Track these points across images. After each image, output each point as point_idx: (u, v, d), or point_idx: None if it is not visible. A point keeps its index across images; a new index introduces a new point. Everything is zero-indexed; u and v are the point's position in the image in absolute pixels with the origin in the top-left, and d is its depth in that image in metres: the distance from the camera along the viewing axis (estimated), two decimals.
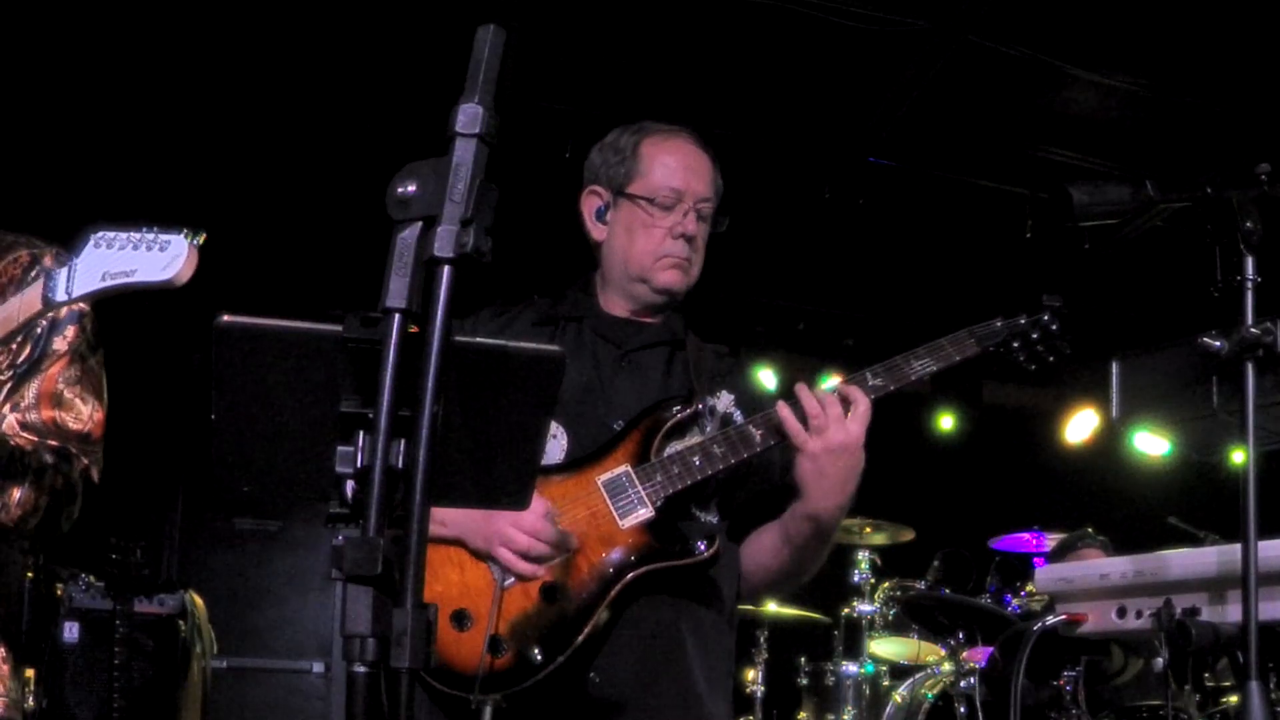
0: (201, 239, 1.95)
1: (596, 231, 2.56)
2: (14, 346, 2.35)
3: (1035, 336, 2.46)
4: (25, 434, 2.30)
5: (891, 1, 4.93)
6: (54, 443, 2.31)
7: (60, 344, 2.36)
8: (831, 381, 2.36)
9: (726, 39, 5.17)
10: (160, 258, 1.94)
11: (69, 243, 2.41)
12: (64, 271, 2.02)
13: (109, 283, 1.97)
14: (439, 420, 1.27)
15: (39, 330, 2.36)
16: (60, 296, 2.02)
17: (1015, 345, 2.47)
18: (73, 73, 5.15)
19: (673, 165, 2.50)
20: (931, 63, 5.23)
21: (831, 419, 2.26)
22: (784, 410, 2.29)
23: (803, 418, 2.27)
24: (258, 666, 6.39)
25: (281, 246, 6.33)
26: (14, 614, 2.46)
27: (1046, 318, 2.47)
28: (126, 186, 5.69)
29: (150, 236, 1.97)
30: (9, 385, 2.34)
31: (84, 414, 2.37)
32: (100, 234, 2.01)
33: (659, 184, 2.48)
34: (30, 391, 2.34)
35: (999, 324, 2.47)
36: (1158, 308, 6.55)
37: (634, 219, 2.49)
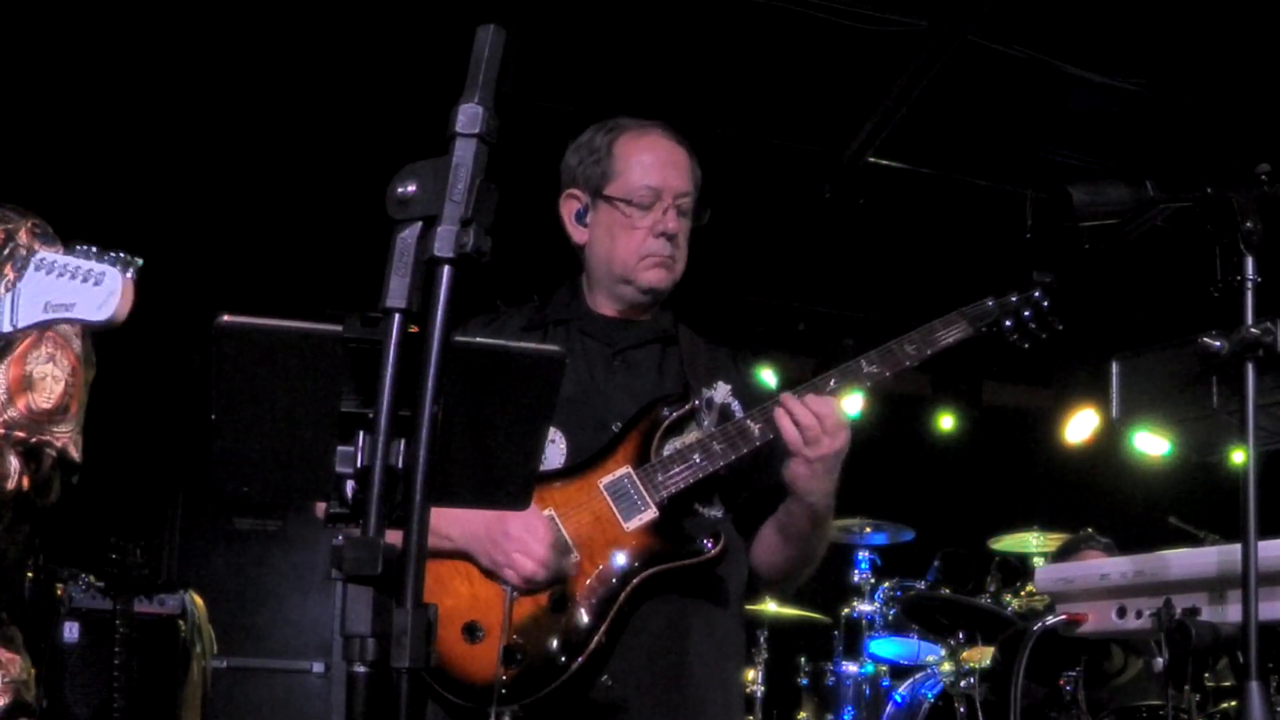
0: (136, 266, 1.89)
1: (578, 235, 2.55)
2: None
3: (1027, 314, 2.46)
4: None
5: (891, 1, 4.93)
6: (21, 434, 2.30)
7: None
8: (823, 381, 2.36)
9: (726, 39, 5.16)
10: (96, 294, 1.89)
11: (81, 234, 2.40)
12: (9, 298, 1.97)
13: (50, 315, 1.93)
14: (439, 420, 1.27)
15: None
16: (5, 327, 1.98)
17: (1008, 324, 2.46)
18: (73, 71, 5.15)
19: (648, 162, 2.48)
20: (931, 63, 5.22)
21: (827, 430, 2.26)
22: (784, 422, 2.28)
23: (797, 425, 2.27)
24: (258, 666, 6.38)
25: (281, 246, 6.33)
26: (16, 595, 2.46)
27: (1037, 294, 2.47)
28: (126, 185, 5.69)
29: (86, 266, 1.90)
30: None
31: (55, 391, 2.34)
32: (40, 256, 1.95)
33: (636, 184, 2.46)
34: (2, 378, 2.32)
35: (990, 303, 2.47)
36: (1158, 308, 6.54)
37: (614, 220, 2.48)
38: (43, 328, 2.17)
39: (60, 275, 1.92)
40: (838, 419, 2.27)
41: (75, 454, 2.38)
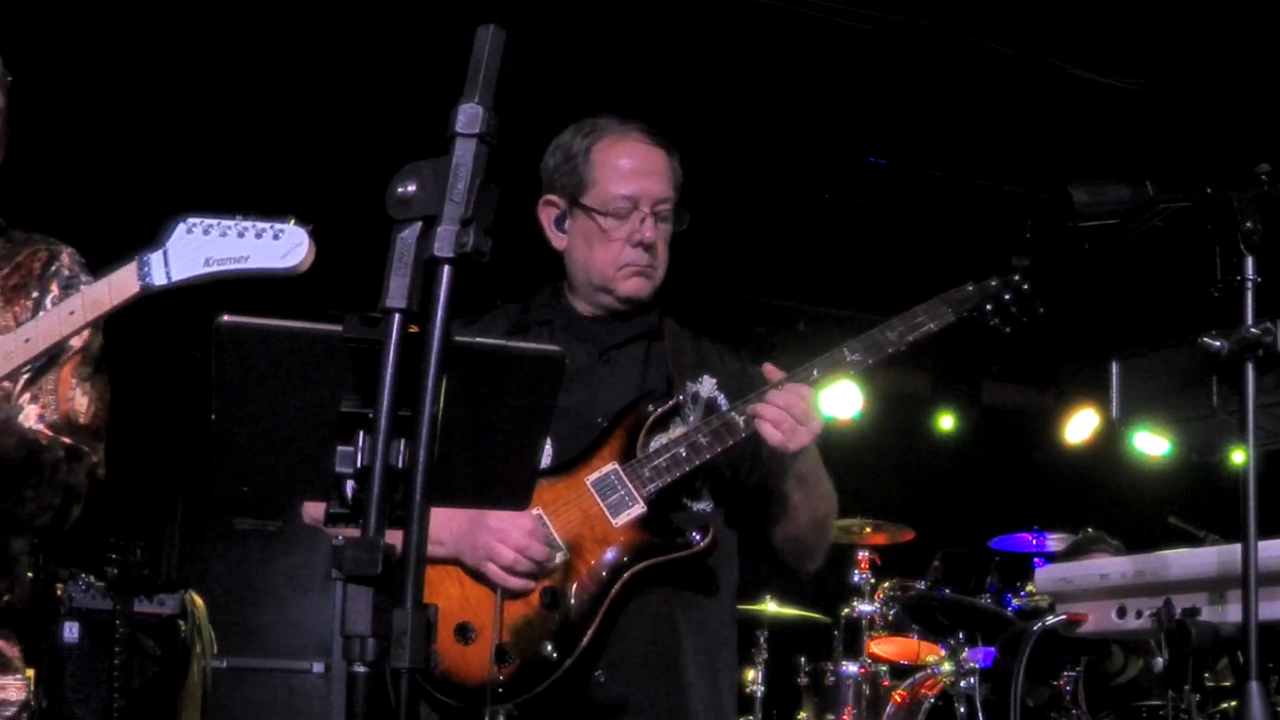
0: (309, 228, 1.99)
1: (557, 240, 2.53)
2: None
3: (1008, 298, 2.48)
4: (43, 426, 2.35)
5: (891, 1, 4.93)
6: (67, 440, 2.36)
7: (77, 341, 2.40)
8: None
9: (727, 39, 5.16)
10: (277, 246, 1.99)
11: (83, 236, 2.43)
12: (158, 256, 2.04)
13: (215, 268, 2.01)
14: (439, 420, 1.27)
15: None
16: (159, 280, 2.04)
17: (988, 308, 2.48)
18: (74, 71, 5.15)
19: (625, 170, 2.45)
20: (931, 63, 5.22)
21: (798, 418, 2.27)
22: (765, 428, 2.28)
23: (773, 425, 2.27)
24: (258, 666, 6.38)
25: None
26: (23, 609, 2.50)
27: (1017, 278, 2.48)
28: (125, 185, 5.68)
29: (260, 225, 2.01)
30: (27, 377, 2.38)
31: (90, 410, 2.41)
32: (191, 220, 2.04)
33: (612, 193, 2.43)
34: (49, 385, 2.39)
35: (970, 288, 2.49)
36: (1158, 308, 6.54)
37: (590, 230, 2.46)
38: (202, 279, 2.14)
39: (223, 235, 2.01)
40: (806, 406, 2.27)
41: (99, 474, 2.43)
